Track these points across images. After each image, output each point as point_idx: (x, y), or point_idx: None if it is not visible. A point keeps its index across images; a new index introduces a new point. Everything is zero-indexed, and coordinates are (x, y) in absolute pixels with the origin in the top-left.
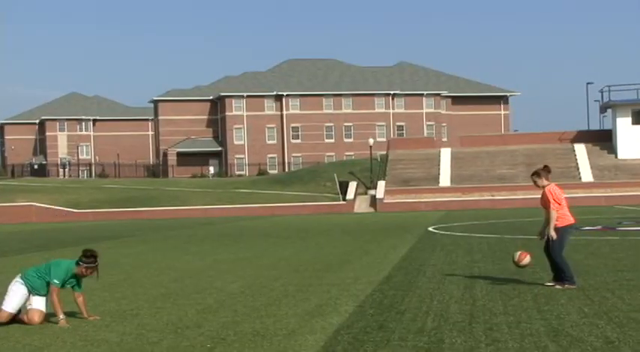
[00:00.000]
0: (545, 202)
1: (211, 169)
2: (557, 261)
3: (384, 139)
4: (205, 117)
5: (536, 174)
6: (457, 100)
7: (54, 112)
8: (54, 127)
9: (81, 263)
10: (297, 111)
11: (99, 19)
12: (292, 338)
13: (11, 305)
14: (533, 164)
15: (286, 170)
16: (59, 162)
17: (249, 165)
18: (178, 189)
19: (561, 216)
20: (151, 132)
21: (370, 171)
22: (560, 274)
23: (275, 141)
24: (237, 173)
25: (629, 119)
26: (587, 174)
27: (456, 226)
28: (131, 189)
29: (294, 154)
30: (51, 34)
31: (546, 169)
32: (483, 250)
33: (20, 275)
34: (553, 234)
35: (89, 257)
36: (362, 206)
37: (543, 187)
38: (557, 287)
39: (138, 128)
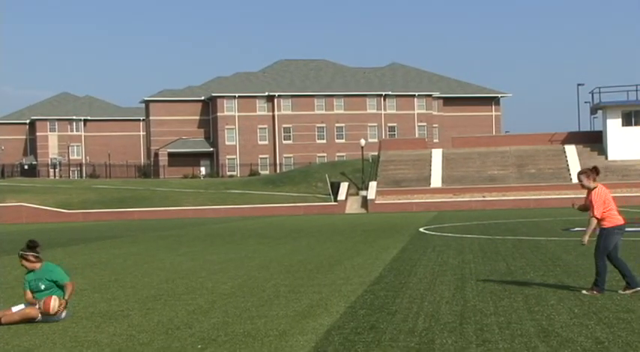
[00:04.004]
0: (589, 203)
1: (203, 170)
2: (597, 262)
3: (376, 140)
4: (197, 117)
5: (584, 173)
6: (449, 101)
7: (44, 112)
8: (44, 127)
9: (23, 254)
10: (289, 112)
11: (90, 19)
12: (283, 338)
13: (16, 308)
14: (524, 165)
15: (278, 171)
16: (50, 163)
17: (240, 165)
18: (169, 190)
19: (609, 216)
20: (142, 133)
21: (362, 171)
22: (595, 276)
23: (267, 142)
24: (229, 173)
25: (619, 120)
26: (576, 176)
27: (447, 227)
28: (122, 190)
29: (285, 155)
30: (42, 34)
31: (595, 170)
32: (474, 251)
33: None
34: (586, 240)
35: (31, 248)
36: (353, 207)
37: (589, 188)
38: (584, 292)
39: (129, 128)
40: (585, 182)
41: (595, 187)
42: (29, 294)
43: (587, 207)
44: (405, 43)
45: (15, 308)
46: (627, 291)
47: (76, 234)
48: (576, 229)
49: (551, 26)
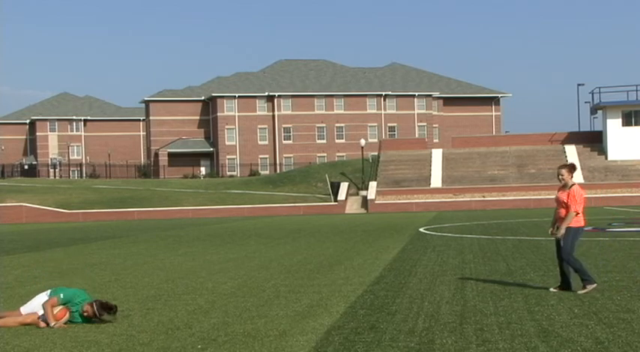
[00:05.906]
0: (568, 200)
1: (203, 170)
2: (568, 260)
3: (376, 140)
4: (197, 117)
5: (567, 168)
6: (449, 101)
7: (45, 112)
8: (44, 127)
9: (94, 305)
10: (289, 112)
11: (90, 19)
12: (283, 339)
13: (24, 308)
14: (524, 165)
15: (278, 171)
16: (50, 163)
17: (240, 165)
18: (169, 190)
19: (579, 216)
20: (142, 133)
21: (362, 171)
22: (581, 276)
23: (267, 142)
24: (229, 173)
25: (620, 120)
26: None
27: (447, 227)
28: (122, 190)
29: (285, 155)
30: (42, 34)
31: (574, 168)
32: (474, 251)
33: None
34: (563, 231)
35: (106, 308)
36: (353, 207)
37: (565, 184)
38: (579, 292)
39: (129, 128)
40: (566, 176)
41: (573, 184)
42: (56, 303)
43: (561, 205)
44: (405, 43)
45: (24, 310)
46: (556, 290)
47: (76, 234)
48: None
49: (551, 26)
